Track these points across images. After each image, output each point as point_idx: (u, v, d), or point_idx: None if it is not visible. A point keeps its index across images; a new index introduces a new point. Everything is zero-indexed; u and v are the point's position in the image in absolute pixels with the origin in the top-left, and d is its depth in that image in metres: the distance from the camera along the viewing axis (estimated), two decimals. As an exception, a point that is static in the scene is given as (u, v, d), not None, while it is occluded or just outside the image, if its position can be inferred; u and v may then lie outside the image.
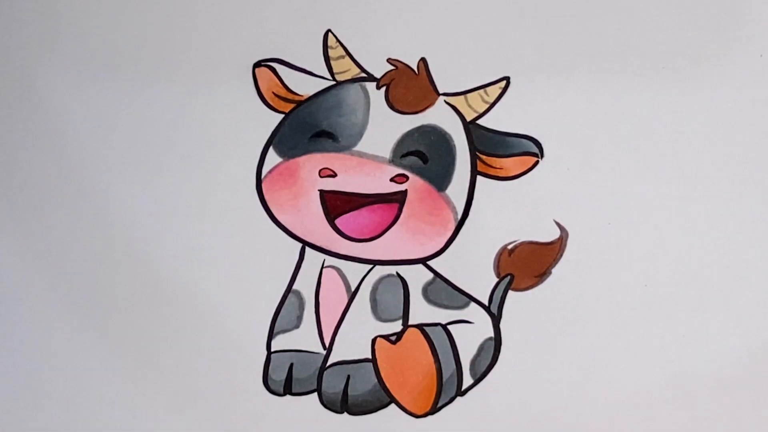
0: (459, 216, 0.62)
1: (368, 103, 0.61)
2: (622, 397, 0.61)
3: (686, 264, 0.61)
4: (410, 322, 0.62)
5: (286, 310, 0.62)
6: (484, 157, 0.62)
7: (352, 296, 0.62)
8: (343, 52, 0.61)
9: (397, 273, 0.62)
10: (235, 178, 0.62)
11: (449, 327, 0.62)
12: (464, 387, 0.62)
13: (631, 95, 0.60)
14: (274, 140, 0.62)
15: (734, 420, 0.61)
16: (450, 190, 0.62)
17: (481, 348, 0.62)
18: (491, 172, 0.62)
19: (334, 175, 0.62)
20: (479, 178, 0.62)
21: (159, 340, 0.62)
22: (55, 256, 0.62)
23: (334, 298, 0.62)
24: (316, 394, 0.62)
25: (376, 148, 0.61)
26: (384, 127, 0.61)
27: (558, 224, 0.61)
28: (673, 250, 0.61)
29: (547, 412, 0.61)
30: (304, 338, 0.62)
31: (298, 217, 0.62)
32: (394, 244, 0.62)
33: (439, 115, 0.61)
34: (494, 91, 0.61)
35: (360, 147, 0.61)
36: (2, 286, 0.63)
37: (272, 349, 0.62)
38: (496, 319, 0.62)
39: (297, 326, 0.62)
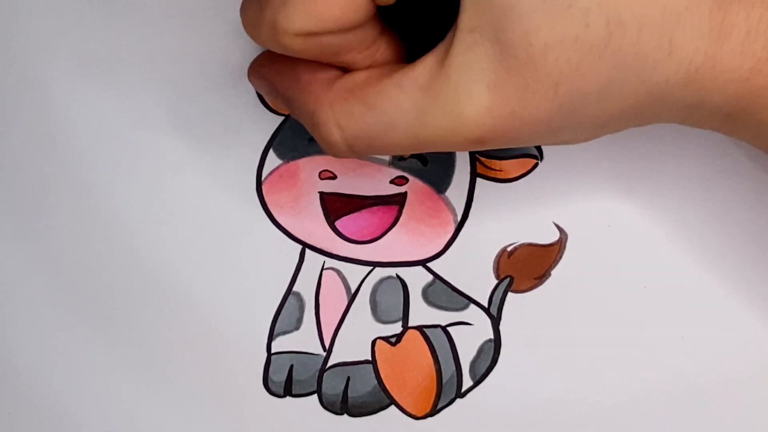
0: (459, 218, 0.62)
1: (368, 105, 0.61)
2: (622, 399, 0.61)
3: (686, 266, 0.61)
4: (410, 324, 0.62)
5: (286, 312, 0.62)
6: (483, 159, 0.61)
7: (352, 298, 0.62)
8: (343, 54, 0.61)
9: (396, 275, 0.62)
10: (235, 181, 0.62)
11: (449, 329, 0.62)
12: (464, 389, 0.62)
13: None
14: (274, 142, 0.62)
15: (734, 423, 0.61)
16: (449, 192, 0.62)
17: (481, 350, 0.62)
18: (491, 174, 0.62)
19: (334, 177, 0.62)
20: (479, 180, 0.62)
21: (158, 342, 0.62)
22: (53, 258, 0.62)
23: (334, 299, 0.62)
24: (316, 395, 0.62)
25: (376, 150, 0.61)
26: (384, 129, 0.61)
27: (557, 226, 0.61)
28: (673, 252, 0.61)
29: (547, 413, 0.61)
30: (304, 340, 0.62)
31: (299, 219, 0.62)
32: (393, 246, 0.62)
33: (438, 117, 0.61)
34: (494, 93, 0.61)
35: (360, 149, 0.61)
36: (1, 286, 0.63)
37: (272, 351, 0.62)
38: (495, 321, 0.62)
39: (297, 328, 0.62)
